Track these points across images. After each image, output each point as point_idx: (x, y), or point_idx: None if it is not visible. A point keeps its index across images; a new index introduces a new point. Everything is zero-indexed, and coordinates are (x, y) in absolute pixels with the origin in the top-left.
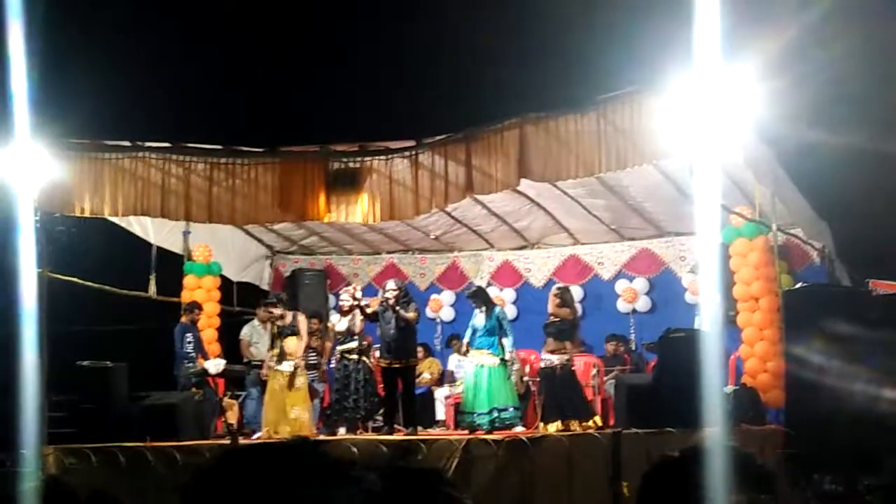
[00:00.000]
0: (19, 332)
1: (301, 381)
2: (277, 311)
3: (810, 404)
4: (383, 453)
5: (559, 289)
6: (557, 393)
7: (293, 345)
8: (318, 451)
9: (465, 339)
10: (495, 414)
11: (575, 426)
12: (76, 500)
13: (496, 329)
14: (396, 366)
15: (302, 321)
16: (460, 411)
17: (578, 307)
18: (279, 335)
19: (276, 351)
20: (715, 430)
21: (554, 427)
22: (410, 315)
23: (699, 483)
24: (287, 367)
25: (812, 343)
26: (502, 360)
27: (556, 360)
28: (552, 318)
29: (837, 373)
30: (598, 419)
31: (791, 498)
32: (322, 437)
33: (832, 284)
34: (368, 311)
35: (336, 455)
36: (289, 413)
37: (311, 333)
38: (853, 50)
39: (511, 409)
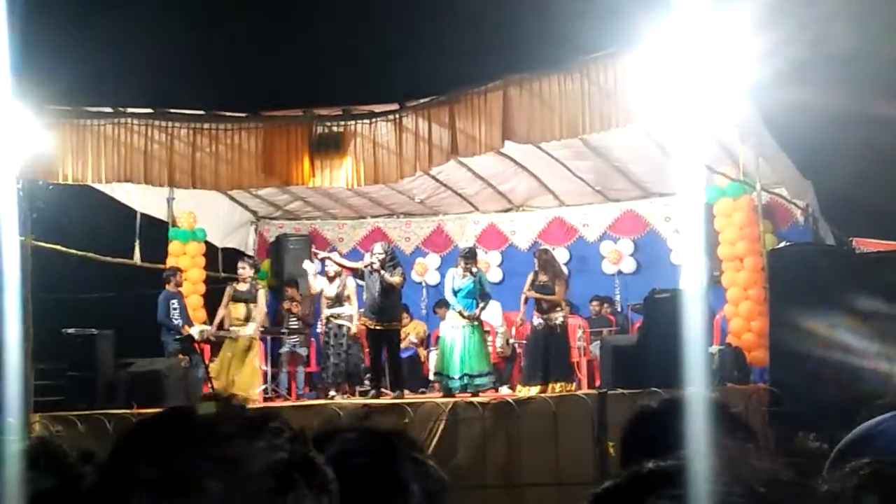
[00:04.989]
0: (5, 300)
1: (248, 345)
2: (246, 272)
3: (795, 363)
4: (340, 418)
5: (543, 251)
6: (543, 355)
7: (242, 311)
8: (234, 408)
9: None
10: (467, 380)
11: (556, 388)
12: (65, 457)
13: (476, 292)
14: (379, 328)
15: (261, 294)
16: (436, 371)
17: (564, 269)
18: (234, 300)
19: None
20: (699, 389)
21: (535, 390)
22: (395, 279)
23: (678, 429)
24: (242, 332)
25: (797, 302)
26: (479, 322)
27: (543, 321)
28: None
29: (822, 331)
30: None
31: (776, 455)
32: (309, 401)
33: (817, 243)
34: (348, 264)
35: (259, 411)
36: (234, 378)
37: (290, 300)
38: (838, 9)
39: (484, 376)
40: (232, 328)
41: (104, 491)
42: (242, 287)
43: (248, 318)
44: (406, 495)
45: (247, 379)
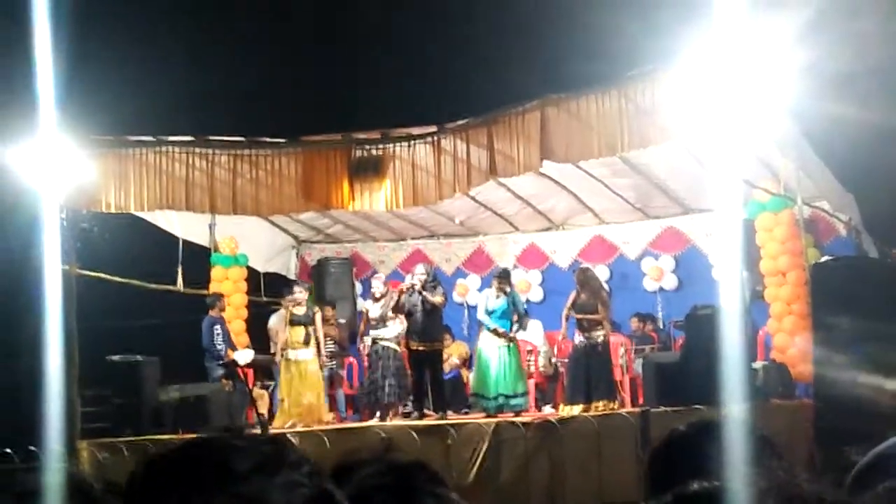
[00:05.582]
0: (49, 328)
1: (314, 367)
2: (302, 296)
3: (840, 378)
4: (370, 446)
5: (582, 270)
6: (585, 373)
7: (301, 335)
8: (250, 441)
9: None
10: (503, 400)
11: (599, 407)
12: (91, 490)
13: (511, 312)
14: (422, 349)
15: (318, 317)
16: (473, 392)
17: (605, 287)
18: (292, 324)
19: (289, 339)
20: (742, 406)
21: (578, 409)
22: (437, 300)
23: (707, 454)
24: (303, 355)
25: (841, 316)
26: (514, 342)
27: (585, 339)
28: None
29: (867, 345)
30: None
31: (822, 471)
32: (353, 424)
33: (860, 257)
34: (395, 299)
35: (276, 444)
36: (301, 400)
37: (326, 322)
38: (880, 22)
39: (520, 396)
40: (291, 351)
41: None
42: (299, 311)
43: (307, 342)
44: None
45: (317, 402)
